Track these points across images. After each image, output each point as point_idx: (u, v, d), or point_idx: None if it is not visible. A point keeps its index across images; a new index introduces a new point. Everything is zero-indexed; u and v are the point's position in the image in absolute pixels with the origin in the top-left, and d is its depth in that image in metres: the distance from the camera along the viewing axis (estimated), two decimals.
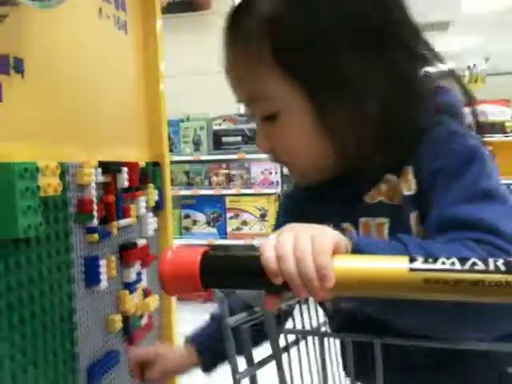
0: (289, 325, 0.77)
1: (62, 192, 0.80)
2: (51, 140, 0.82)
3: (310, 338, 0.88)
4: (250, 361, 0.65)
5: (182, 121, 4.18)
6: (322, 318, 0.80)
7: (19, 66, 0.76)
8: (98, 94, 0.98)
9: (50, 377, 0.77)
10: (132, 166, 1.04)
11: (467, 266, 0.43)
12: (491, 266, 0.42)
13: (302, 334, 0.80)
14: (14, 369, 0.71)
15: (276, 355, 0.69)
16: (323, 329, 0.79)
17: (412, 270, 0.44)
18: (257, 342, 0.72)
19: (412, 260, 0.45)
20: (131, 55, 1.13)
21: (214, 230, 4.42)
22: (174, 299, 1.28)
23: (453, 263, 0.43)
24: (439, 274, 0.43)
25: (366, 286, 0.47)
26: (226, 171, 4.13)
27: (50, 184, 0.76)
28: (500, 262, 0.43)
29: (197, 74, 4.21)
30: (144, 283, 1.11)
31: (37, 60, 0.80)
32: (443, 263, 0.44)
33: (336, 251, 0.50)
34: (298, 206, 0.75)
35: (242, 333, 0.64)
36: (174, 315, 1.27)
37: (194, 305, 3.39)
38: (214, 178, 4.16)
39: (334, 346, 0.81)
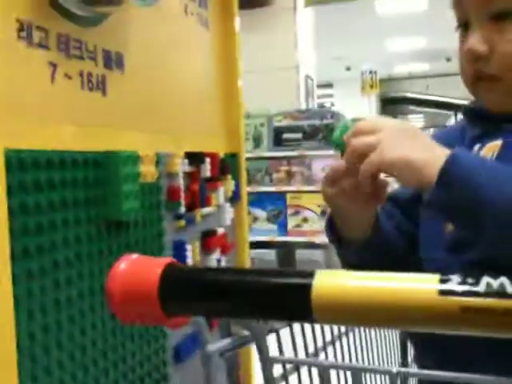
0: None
1: (156, 179, 0.86)
2: (147, 130, 0.88)
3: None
4: None
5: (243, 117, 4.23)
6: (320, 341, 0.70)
7: (120, 62, 0.82)
8: (184, 87, 1.03)
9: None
10: (214, 157, 1.09)
11: None
12: None
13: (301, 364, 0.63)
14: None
15: None
16: (322, 356, 0.69)
17: (443, 293, 0.33)
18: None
19: (444, 280, 0.33)
20: (213, 51, 1.18)
21: (275, 227, 4.46)
22: None
23: (502, 285, 0.32)
24: (482, 301, 0.32)
25: (368, 313, 0.35)
26: (287, 168, 4.16)
27: (148, 171, 0.81)
28: None
29: (257, 71, 4.26)
30: None
31: (134, 56, 0.85)
32: (488, 285, 0.32)
33: (408, 165, 0.50)
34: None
35: (228, 361, 0.58)
36: None
37: None
38: (275, 175, 4.19)
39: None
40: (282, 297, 0.39)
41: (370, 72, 5.72)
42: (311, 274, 0.38)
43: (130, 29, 0.84)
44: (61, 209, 0.67)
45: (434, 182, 0.50)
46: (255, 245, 4.11)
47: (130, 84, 0.83)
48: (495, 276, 0.33)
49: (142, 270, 0.38)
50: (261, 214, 4.30)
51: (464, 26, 0.61)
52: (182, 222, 0.97)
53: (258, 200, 4.25)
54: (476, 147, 0.62)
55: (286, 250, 4.68)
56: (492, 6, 0.57)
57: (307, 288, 0.37)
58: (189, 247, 0.99)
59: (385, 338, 0.92)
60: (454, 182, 0.50)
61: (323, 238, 3.87)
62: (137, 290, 0.37)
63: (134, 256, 0.39)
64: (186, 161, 0.98)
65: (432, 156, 0.51)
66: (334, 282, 0.38)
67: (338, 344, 0.91)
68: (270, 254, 4.37)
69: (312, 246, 4.05)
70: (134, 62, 0.85)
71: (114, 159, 0.73)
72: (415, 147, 0.52)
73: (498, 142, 0.59)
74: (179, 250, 0.96)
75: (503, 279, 0.33)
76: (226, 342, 0.54)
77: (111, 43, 0.79)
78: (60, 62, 0.69)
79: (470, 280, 0.33)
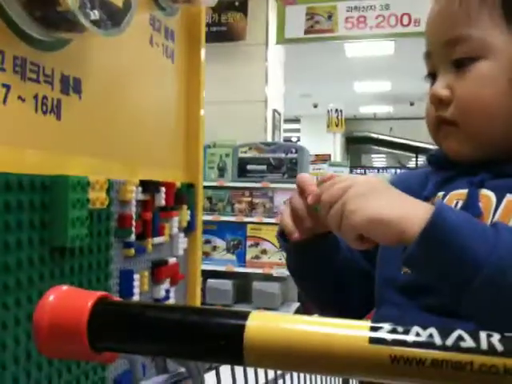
0: None
1: (107, 206, 0.85)
2: (100, 156, 0.87)
3: None
4: None
5: (209, 147, 4.25)
6: None
7: (77, 87, 0.82)
8: (144, 116, 1.04)
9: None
10: (169, 186, 1.09)
11: (450, 341, 0.31)
12: (483, 344, 0.31)
13: None
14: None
15: None
16: None
17: (373, 341, 0.33)
18: None
19: (375, 328, 0.33)
20: (176, 82, 1.19)
21: (233, 257, 4.43)
22: None
23: (431, 335, 0.32)
24: (411, 351, 0.32)
25: (298, 358, 0.35)
26: (249, 199, 4.17)
27: (98, 198, 0.81)
28: (495, 339, 0.31)
29: (226, 103, 4.31)
30: (172, 301, 1.14)
31: (93, 82, 0.85)
32: (418, 334, 0.32)
33: (378, 223, 0.49)
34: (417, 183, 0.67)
35: None
36: None
37: None
38: (237, 205, 4.19)
39: None
40: (213, 338, 0.38)
41: (336, 111, 5.86)
42: (245, 316, 0.38)
43: (92, 55, 0.85)
44: (3, 232, 0.65)
45: (414, 239, 0.48)
46: (213, 274, 4.08)
47: (86, 109, 0.83)
48: (425, 326, 0.33)
49: (71, 302, 0.37)
50: (220, 243, 4.27)
51: (433, 76, 0.64)
52: (132, 251, 0.95)
53: (218, 229, 4.23)
54: (440, 194, 0.62)
55: (243, 281, 4.66)
56: (454, 53, 0.61)
57: (240, 330, 0.37)
58: (136, 276, 0.97)
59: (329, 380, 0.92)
60: (439, 241, 0.47)
61: (280, 271, 3.87)
62: (64, 324, 0.36)
63: (65, 287, 0.38)
64: (140, 189, 0.98)
65: (411, 210, 0.49)
66: (266, 324, 0.38)
67: (280, 382, 0.90)
68: (228, 285, 4.33)
69: (269, 278, 4.03)
70: (92, 88, 0.84)
71: (62, 184, 0.72)
72: (388, 202, 0.50)
73: (463, 191, 0.59)
74: (126, 279, 0.94)
75: (432, 330, 0.32)
76: (161, 378, 0.53)
77: (70, 68, 0.79)
78: (14, 84, 0.68)
79: (400, 329, 0.33)
